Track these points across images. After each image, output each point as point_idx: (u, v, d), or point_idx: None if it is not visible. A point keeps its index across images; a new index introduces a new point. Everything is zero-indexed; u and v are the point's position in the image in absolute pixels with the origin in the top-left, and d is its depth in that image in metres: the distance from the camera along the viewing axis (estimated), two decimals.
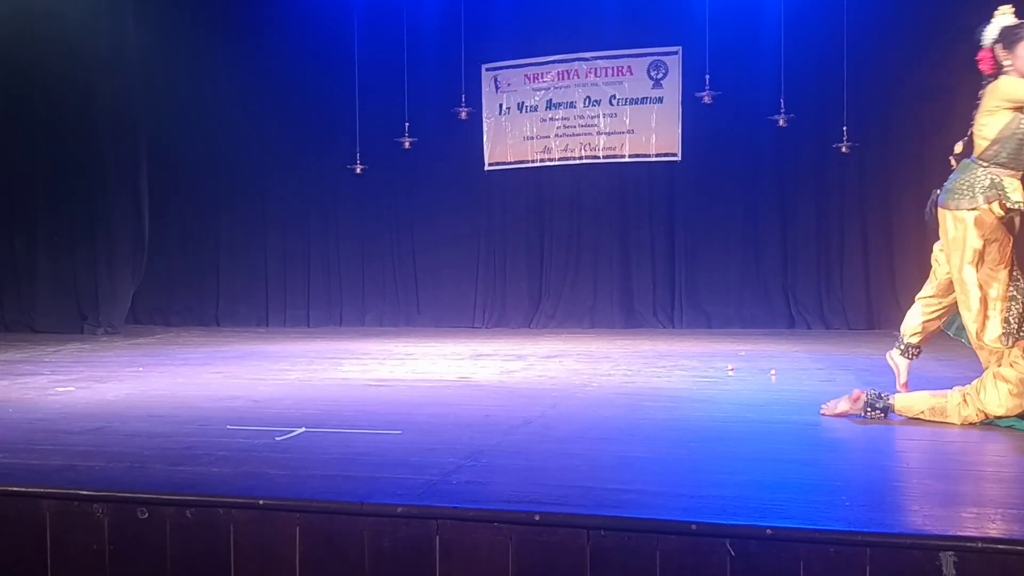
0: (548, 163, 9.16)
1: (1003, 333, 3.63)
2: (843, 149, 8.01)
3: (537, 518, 2.34)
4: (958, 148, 3.83)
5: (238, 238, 9.77)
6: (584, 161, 9.06)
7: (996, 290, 3.65)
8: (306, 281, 9.69)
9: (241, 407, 4.26)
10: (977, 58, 3.80)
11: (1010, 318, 3.64)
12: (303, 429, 3.57)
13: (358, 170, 8.90)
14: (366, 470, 2.91)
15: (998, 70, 3.72)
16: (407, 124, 8.68)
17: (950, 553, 2.10)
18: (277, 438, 3.41)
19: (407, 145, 8.70)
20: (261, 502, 2.50)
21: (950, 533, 2.18)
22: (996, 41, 3.73)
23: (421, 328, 9.15)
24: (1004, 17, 3.77)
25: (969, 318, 3.70)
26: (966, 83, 3.95)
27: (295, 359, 6.43)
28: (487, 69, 9.21)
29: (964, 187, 3.71)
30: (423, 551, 2.37)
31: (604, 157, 9.01)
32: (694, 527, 2.26)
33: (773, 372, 5.35)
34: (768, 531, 2.24)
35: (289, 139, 9.51)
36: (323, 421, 3.82)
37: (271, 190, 9.69)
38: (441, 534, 2.37)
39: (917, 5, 8.01)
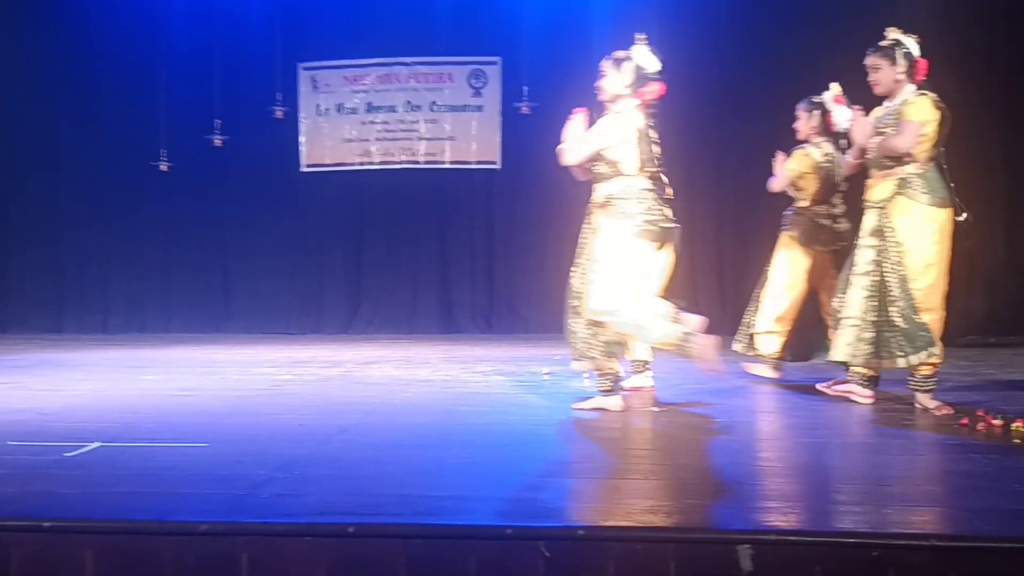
0: (368, 166, 9.04)
1: None
2: None
3: (351, 530, 2.28)
4: None
5: (30, 239, 9.04)
6: (404, 166, 9.02)
7: None
8: (105, 284, 9.09)
9: (27, 420, 3.93)
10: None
11: None
12: (97, 444, 3.33)
13: (163, 167, 8.46)
14: (168, 486, 2.75)
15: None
16: (218, 121, 8.34)
17: (747, 547, 2.22)
18: (66, 454, 3.16)
19: (218, 143, 8.37)
20: (47, 524, 2.31)
21: (742, 528, 2.32)
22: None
23: (233, 335, 8.78)
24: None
25: None
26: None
27: (91, 368, 6.03)
28: (304, 68, 8.99)
29: None
30: (230, 570, 2.26)
31: (425, 162, 9.00)
32: (509, 531, 2.29)
33: (546, 372, 5.58)
34: (580, 532, 2.30)
35: (86, 134, 8.90)
36: (121, 435, 3.58)
37: (66, 187, 9.03)
38: (249, 551, 2.27)
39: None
